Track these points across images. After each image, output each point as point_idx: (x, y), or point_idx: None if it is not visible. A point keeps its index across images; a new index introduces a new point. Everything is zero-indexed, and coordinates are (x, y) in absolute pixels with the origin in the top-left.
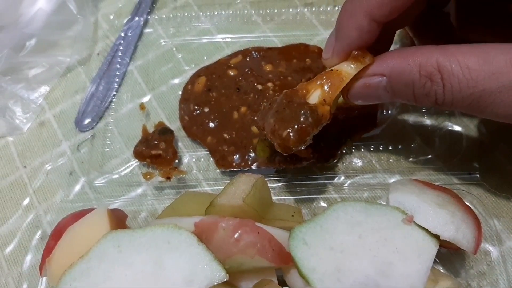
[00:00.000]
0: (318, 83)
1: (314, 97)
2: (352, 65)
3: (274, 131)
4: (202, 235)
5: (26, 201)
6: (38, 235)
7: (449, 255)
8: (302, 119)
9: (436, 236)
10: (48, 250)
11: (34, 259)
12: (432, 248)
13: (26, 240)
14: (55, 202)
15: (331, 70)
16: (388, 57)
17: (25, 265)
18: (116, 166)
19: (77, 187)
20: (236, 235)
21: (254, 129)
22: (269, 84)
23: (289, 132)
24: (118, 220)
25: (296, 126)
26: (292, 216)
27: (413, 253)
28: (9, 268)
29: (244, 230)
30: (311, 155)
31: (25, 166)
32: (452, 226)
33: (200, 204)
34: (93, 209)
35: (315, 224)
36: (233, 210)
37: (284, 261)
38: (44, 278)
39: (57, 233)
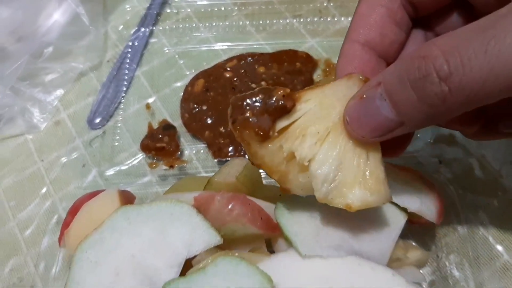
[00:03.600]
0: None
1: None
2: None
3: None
4: (201, 208)
5: (43, 190)
6: (54, 219)
7: (420, 232)
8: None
9: (405, 210)
10: (66, 225)
11: (51, 241)
12: (401, 219)
13: (44, 224)
14: (69, 191)
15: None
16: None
17: (43, 246)
18: (125, 158)
19: (89, 178)
20: (230, 206)
21: None
22: (263, 83)
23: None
24: (127, 200)
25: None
26: (280, 195)
27: (384, 222)
28: (28, 249)
29: (236, 201)
30: None
31: (42, 160)
32: (418, 200)
33: (198, 185)
34: (104, 190)
35: (298, 197)
36: (227, 187)
37: (271, 229)
38: (62, 251)
39: (74, 210)
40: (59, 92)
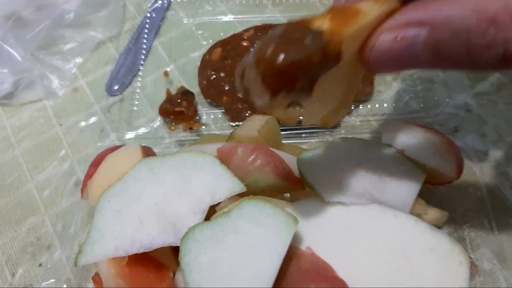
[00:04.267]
0: (328, 16)
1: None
2: (373, 4)
3: (257, 59)
4: (223, 158)
5: (61, 153)
6: (72, 181)
7: (437, 195)
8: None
9: (424, 167)
10: (89, 176)
11: (69, 202)
12: (420, 174)
13: (62, 186)
14: (87, 153)
15: (346, 6)
16: (425, 2)
17: (61, 207)
18: (143, 123)
19: (108, 141)
20: (253, 156)
21: None
22: None
23: (276, 50)
24: (149, 155)
25: (288, 47)
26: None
27: (404, 177)
28: (46, 209)
29: (259, 151)
30: None
31: (60, 124)
32: (437, 155)
33: (220, 141)
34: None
35: (319, 151)
36: (249, 140)
37: (293, 181)
38: (80, 212)
39: (97, 162)
40: (78, 60)
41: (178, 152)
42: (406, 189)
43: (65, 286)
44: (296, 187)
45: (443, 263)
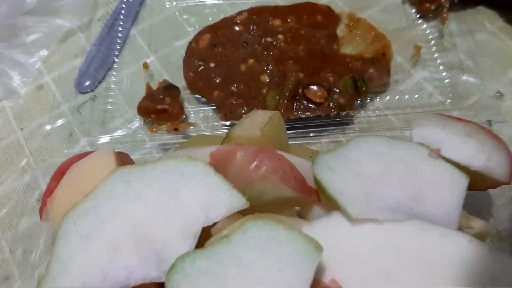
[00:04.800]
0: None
1: None
2: None
3: None
4: (219, 165)
5: (22, 163)
6: (35, 196)
7: (475, 202)
8: None
9: (466, 170)
10: (49, 192)
11: (31, 221)
12: (462, 181)
13: (22, 203)
14: (53, 163)
15: None
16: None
17: (21, 228)
18: (119, 125)
19: (78, 147)
20: (256, 161)
21: (263, 78)
22: (280, 36)
23: None
24: (124, 164)
25: None
26: (310, 157)
27: (444, 183)
28: (3, 232)
29: (264, 155)
30: (325, 101)
31: (22, 129)
32: (483, 155)
33: (211, 144)
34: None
35: (338, 153)
36: (250, 142)
37: (306, 191)
38: (44, 232)
39: (59, 174)
40: (42, 53)
41: (161, 159)
42: (449, 198)
43: None
44: (310, 200)
45: None
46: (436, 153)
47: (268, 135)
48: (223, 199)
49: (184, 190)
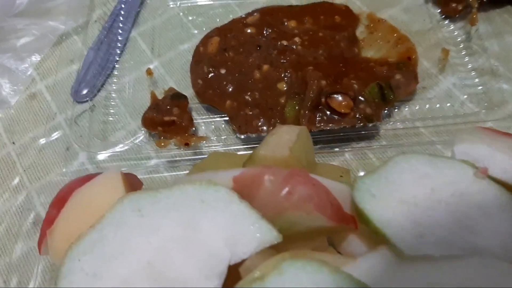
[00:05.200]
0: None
1: None
2: None
3: None
4: (243, 192)
5: (14, 181)
6: (30, 219)
7: None
8: None
9: None
10: (48, 222)
11: (26, 247)
12: None
13: (16, 226)
14: (49, 181)
15: None
16: None
17: (15, 255)
18: (121, 139)
19: (76, 164)
20: (288, 187)
21: (281, 86)
22: (296, 39)
23: None
24: (133, 187)
25: None
26: (341, 177)
27: (495, 208)
28: None
29: (297, 180)
30: (351, 111)
31: (13, 143)
32: None
33: (231, 164)
34: (101, 173)
35: (379, 176)
36: (278, 163)
37: (343, 219)
38: (42, 260)
39: (60, 201)
40: (35, 58)
41: (176, 183)
42: (506, 227)
43: None
44: (347, 229)
45: None
46: (483, 173)
47: (297, 155)
48: (251, 231)
49: (205, 220)
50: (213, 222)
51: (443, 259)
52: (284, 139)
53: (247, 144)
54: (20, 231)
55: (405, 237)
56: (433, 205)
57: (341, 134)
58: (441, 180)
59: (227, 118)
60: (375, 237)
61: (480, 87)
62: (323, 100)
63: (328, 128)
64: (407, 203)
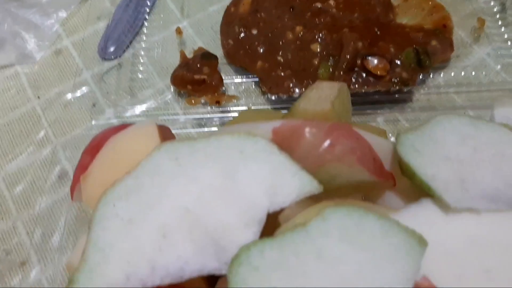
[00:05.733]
0: None
1: None
2: None
3: None
4: (282, 144)
5: (40, 135)
6: (55, 172)
7: None
8: None
9: None
10: (82, 168)
11: (50, 200)
12: None
13: (40, 180)
14: (75, 135)
15: None
16: None
17: (39, 207)
18: (149, 96)
19: (102, 120)
20: (330, 139)
21: (314, 47)
22: (331, 2)
23: None
24: (166, 139)
25: None
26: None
27: None
28: (18, 211)
29: (340, 133)
30: (387, 74)
31: (38, 97)
32: None
33: (267, 119)
34: (134, 123)
35: (422, 133)
36: (318, 117)
37: (384, 175)
38: (70, 211)
39: (94, 148)
40: (61, 14)
41: (215, 134)
42: None
43: None
44: (386, 185)
45: None
46: None
47: (338, 110)
48: (290, 181)
49: (244, 170)
50: (252, 172)
51: (487, 213)
52: (325, 93)
53: (277, 106)
54: (45, 185)
55: (450, 191)
56: (477, 163)
57: (375, 97)
58: (483, 141)
59: (256, 80)
60: (419, 191)
61: None
62: (358, 62)
63: (363, 90)
64: (451, 160)
